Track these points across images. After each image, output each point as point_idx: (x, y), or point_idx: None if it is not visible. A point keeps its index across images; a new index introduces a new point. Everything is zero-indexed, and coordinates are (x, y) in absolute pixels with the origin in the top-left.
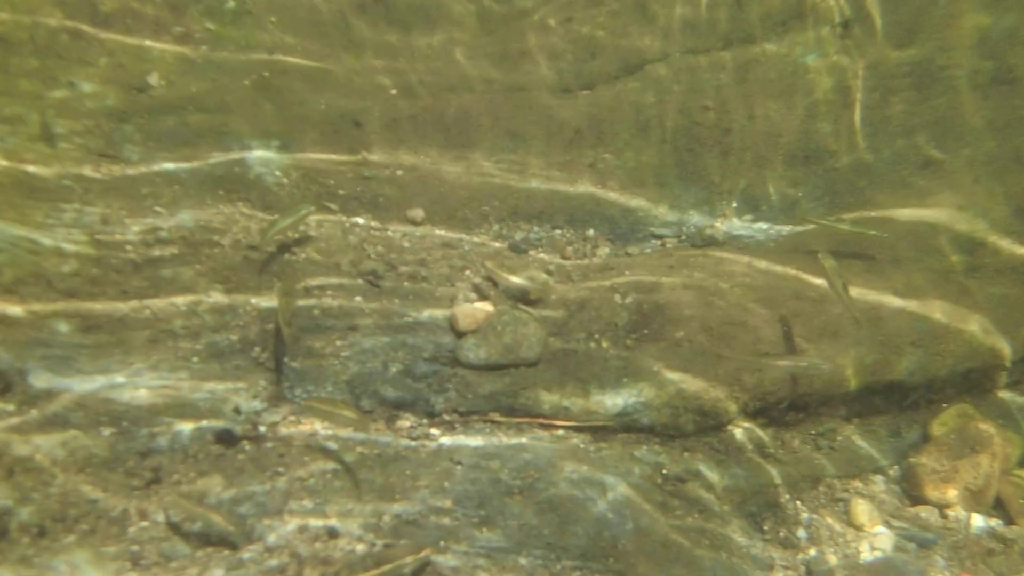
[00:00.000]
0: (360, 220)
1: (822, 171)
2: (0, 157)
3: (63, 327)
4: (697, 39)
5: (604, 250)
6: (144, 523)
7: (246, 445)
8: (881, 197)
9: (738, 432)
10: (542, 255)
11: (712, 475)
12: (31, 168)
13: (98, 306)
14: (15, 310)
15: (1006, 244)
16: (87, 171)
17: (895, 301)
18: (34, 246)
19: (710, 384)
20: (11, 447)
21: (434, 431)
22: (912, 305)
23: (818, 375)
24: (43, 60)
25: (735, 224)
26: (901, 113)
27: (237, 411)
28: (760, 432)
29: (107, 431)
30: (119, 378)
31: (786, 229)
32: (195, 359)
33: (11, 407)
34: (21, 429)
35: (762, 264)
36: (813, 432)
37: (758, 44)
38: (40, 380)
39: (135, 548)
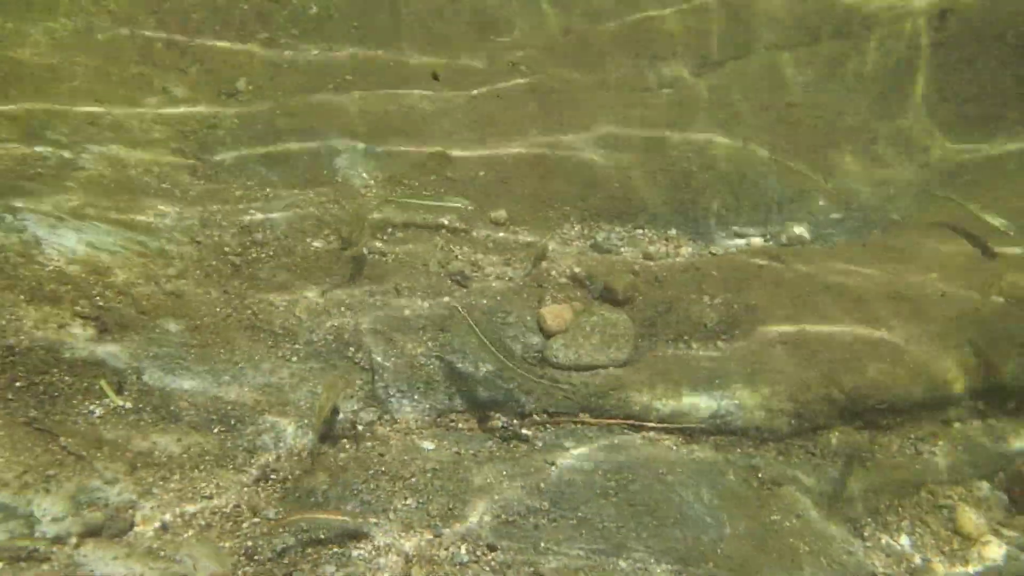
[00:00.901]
0: (445, 221)
1: (914, 167)
2: (105, 163)
3: (172, 327)
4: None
5: (687, 250)
6: (255, 519)
7: (346, 444)
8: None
9: (834, 435)
10: (625, 255)
11: (808, 479)
12: (133, 172)
13: (203, 307)
14: (128, 311)
15: None
16: (184, 175)
17: (1000, 298)
18: (142, 248)
19: (805, 386)
20: (132, 442)
21: (526, 431)
22: (1018, 305)
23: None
24: (140, 68)
25: (823, 222)
26: None
27: (335, 410)
28: (857, 435)
29: (216, 428)
30: (225, 376)
31: (880, 226)
32: (294, 358)
33: (129, 404)
34: (139, 426)
35: (855, 263)
36: (912, 436)
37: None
38: (153, 378)
39: (249, 544)
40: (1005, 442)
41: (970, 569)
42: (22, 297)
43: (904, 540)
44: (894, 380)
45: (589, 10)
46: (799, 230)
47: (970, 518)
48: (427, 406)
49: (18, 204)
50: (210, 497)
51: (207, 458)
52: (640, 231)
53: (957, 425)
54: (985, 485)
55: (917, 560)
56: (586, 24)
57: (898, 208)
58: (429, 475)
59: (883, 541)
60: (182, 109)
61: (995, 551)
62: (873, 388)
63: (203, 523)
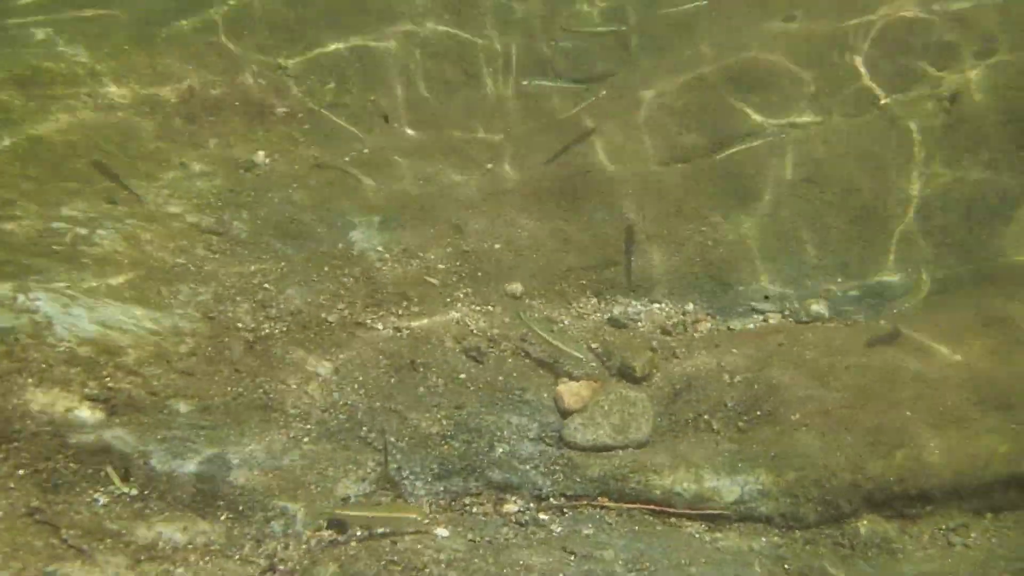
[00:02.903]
0: (460, 295)
1: (935, 243)
2: (120, 238)
3: (182, 408)
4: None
5: (705, 325)
6: None
7: (357, 531)
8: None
9: (862, 525)
10: (642, 330)
11: (838, 572)
12: (148, 248)
13: (213, 386)
14: (138, 392)
15: None
16: (199, 250)
17: None
18: (155, 325)
19: (831, 471)
20: (136, 533)
21: (543, 516)
22: None
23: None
24: (158, 143)
25: (841, 299)
26: None
27: (347, 494)
28: (886, 525)
29: (223, 515)
30: (234, 460)
31: (898, 303)
32: (306, 439)
33: (135, 491)
34: (144, 514)
35: (876, 342)
36: (943, 527)
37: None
38: (161, 463)
39: None
40: None
41: None
42: (30, 380)
43: None
44: (922, 467)
45: None
46: (818, 307)
47: None
48: (441, 488)
49: (31, 283)
50: None
51: (213, 548)
52: (657, 305)
53: (989, 515)
54: None
55: None
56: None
57: (915, 286)
58: (443, 565)
59: None
60: (199, 183)
61: None
62: (901, 474)
63: None
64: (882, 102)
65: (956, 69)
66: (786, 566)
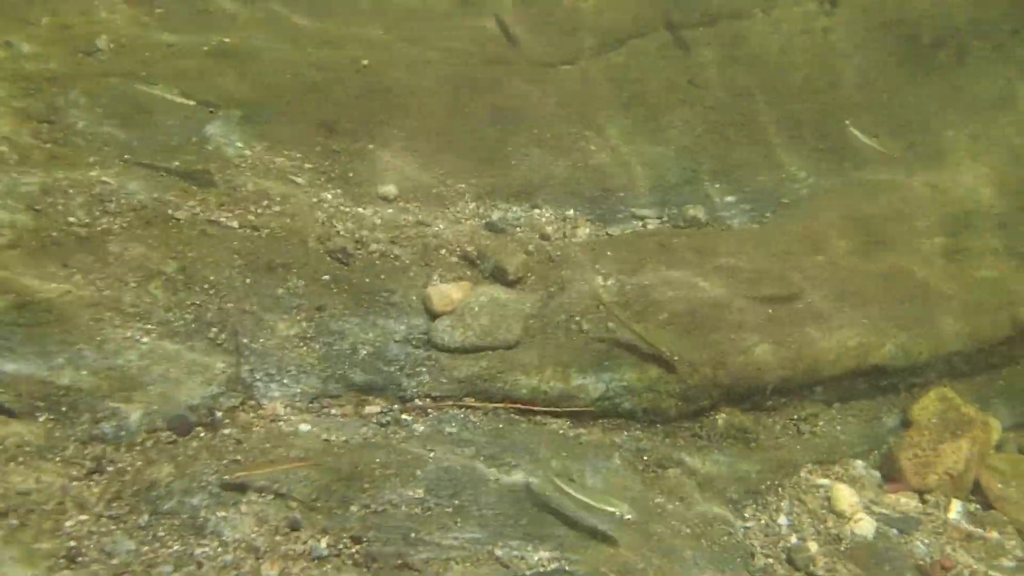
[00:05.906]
0: (328, 195)
1: (809, 149)
2: None
3: None
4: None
5: (585, 230)
6: (83, 516)
7: (201, 432)
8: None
9: (720, 417)
10: (520, 235)
11: (694, 461)
12: None
13: (36, 281)
14: None
15: (990, 225)
16: (26, 137)
17: (879, 282)
18: None
19: (693, 368)
20: None
21: (405, 417)
22: (896, 288)
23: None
24: None
25: (718, 204)
26: None
27: (191, 396)
28: (743, 417)
29: (43, 416)
30: (59, 359)
31: (771, 209)
32: (145, 339)
33: None
34: None
35: (747, 245)
36: (795, 417)
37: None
38: None
39: (72, 544)
40: (879, 421)
41: (842, 547)
42: None
43: (783, 520)
44: (779, 361)
45: None
46: (695, 212)
47: (844, 496)
48: (298, 391)
49: None
50: (27, 493)
51: (27, 449)
52: (538, 211)
53: (836, 405)
54: (860, 463)
55: (793, 539)
56: None
57: (789, 192)
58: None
59: (763, 521)
60: (29, 66)
61: (866, 528)
62: (759, 369)
63: (16, 522)
64: None
65: None
66: (645, 457)
